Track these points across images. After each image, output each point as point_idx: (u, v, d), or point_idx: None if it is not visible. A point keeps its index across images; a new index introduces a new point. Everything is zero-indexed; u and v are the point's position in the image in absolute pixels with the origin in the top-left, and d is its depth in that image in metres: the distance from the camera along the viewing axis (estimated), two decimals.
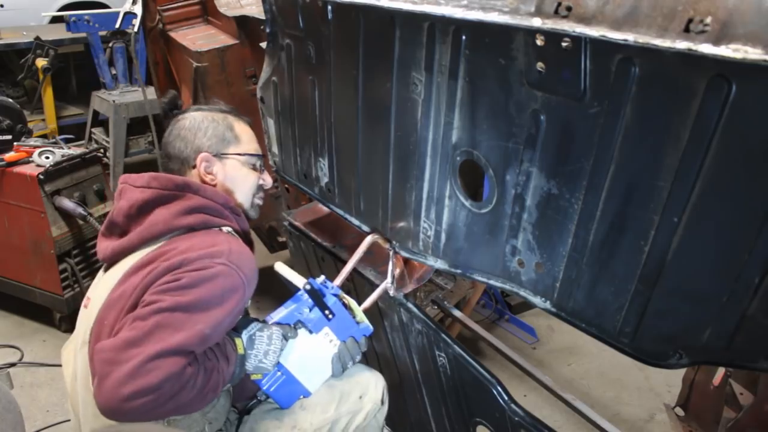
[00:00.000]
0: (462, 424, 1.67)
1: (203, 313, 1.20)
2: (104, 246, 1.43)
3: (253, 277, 1.33)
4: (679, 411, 2.07)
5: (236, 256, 1.29)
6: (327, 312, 1.45)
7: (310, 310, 1.46)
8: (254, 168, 1.57)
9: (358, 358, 1.52)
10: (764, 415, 1.60)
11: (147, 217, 1.37)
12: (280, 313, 1.47)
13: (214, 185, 1.50)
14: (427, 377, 1.72)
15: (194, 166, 1.49)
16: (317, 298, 1.45)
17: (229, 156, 1.52)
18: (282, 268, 1.58)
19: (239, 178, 1.54)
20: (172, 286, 1.21)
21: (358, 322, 1.50)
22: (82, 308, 1.42)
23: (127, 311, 1.23)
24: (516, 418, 1.43)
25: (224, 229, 1.41)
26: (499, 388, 1.46)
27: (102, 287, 1.35)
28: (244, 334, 1.37)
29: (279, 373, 1.44)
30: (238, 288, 1.27)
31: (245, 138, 1.56)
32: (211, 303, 1.22)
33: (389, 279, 1.62)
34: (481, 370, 1.49)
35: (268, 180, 1.61)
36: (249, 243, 1.52)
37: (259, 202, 1.60)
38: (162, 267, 1.25)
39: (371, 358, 1.97)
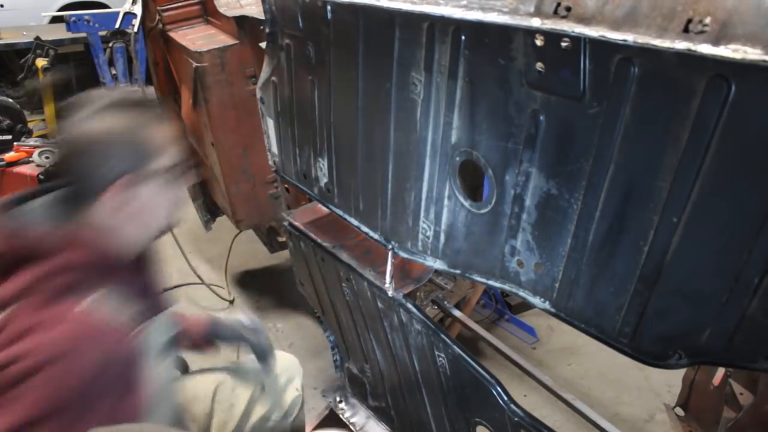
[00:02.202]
0: (462, 424, 1.67)
1: None
2: None
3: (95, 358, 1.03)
4: (679, 411, 2.07)
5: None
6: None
7: None
8: (176, 179, 1.24)
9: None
10: (764, 415, 1.60)
11: (7, 274, 1.07)
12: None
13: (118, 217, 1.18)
14: (427, 377, 1.72)
15: (104, 191, 1.13)
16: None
17: (151, 174, 1.17)
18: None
19: (158, 200, 1.21)
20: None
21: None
22: None
23: None
24: (516, 419, 1.43)
25: (87, 300, 1.08)
26: (499, 389, 1.46)
27: None
28: None
29: None
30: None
31: (162, 146, 1.19)
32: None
33: (388, 279, 1.62)
34: (481, 371, 1.49)
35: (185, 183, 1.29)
36: (144, 293, 1.23)
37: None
38: None
39: (371, 359, 1.97)
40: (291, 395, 1.76)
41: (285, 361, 1.78)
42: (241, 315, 1.69)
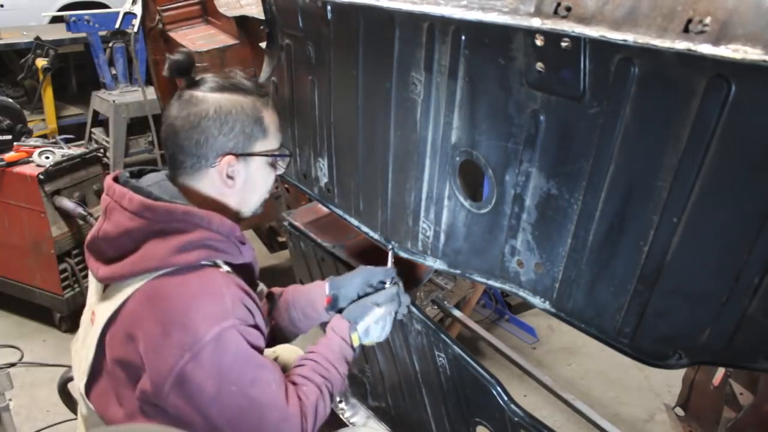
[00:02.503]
0: (462, 424, 1.67)
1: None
2: (93, 265, 1.24)
3: (247, 311, 1.18)
4: (679, 411, 2.07)
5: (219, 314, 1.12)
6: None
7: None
8: (274, 166, 1.33)
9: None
10: (764, 415, 1.60)
11: (137, 249, 1.16)
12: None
13: (221, 196, 1.28)
14: (427, 377, 1.72)
15: (212, 166, 1.23)
16: None
17: (254, 156, 1.27)
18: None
19: (260, 181, 1.31)
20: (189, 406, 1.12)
21: None
22: (87, 320, 1.30)
23: (126, 382, 1.18)
24: (516, 419, 1.43)
25: (223, 267, 1.20)
26: (499, 389, 1.46)
27: (106, 308, 1.21)
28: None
29: None
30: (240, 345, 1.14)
31: (272, 130, 1.29)
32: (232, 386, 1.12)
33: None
34: (481, 371, 1.49)
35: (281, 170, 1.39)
36: (251, 273, 1.35)
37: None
38: (149, 369, 1.12)
39: (371, 359, 1.97)
40: None
41: (291, 353, 1.77)
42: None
